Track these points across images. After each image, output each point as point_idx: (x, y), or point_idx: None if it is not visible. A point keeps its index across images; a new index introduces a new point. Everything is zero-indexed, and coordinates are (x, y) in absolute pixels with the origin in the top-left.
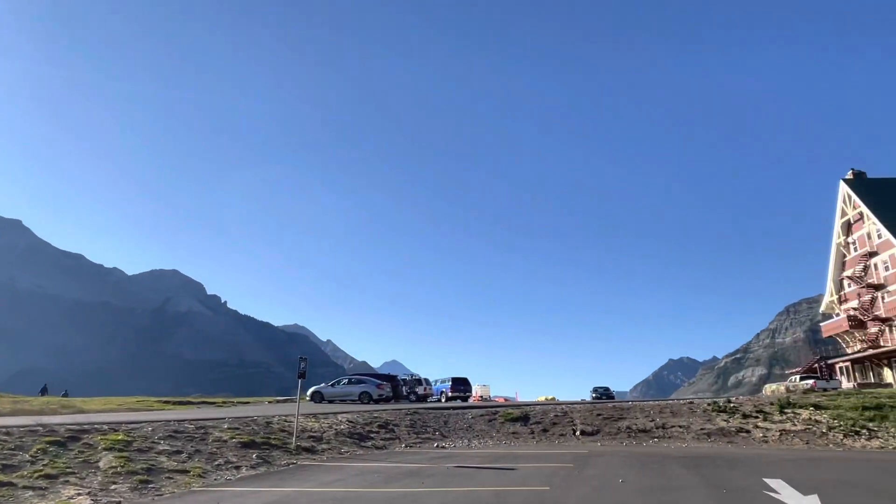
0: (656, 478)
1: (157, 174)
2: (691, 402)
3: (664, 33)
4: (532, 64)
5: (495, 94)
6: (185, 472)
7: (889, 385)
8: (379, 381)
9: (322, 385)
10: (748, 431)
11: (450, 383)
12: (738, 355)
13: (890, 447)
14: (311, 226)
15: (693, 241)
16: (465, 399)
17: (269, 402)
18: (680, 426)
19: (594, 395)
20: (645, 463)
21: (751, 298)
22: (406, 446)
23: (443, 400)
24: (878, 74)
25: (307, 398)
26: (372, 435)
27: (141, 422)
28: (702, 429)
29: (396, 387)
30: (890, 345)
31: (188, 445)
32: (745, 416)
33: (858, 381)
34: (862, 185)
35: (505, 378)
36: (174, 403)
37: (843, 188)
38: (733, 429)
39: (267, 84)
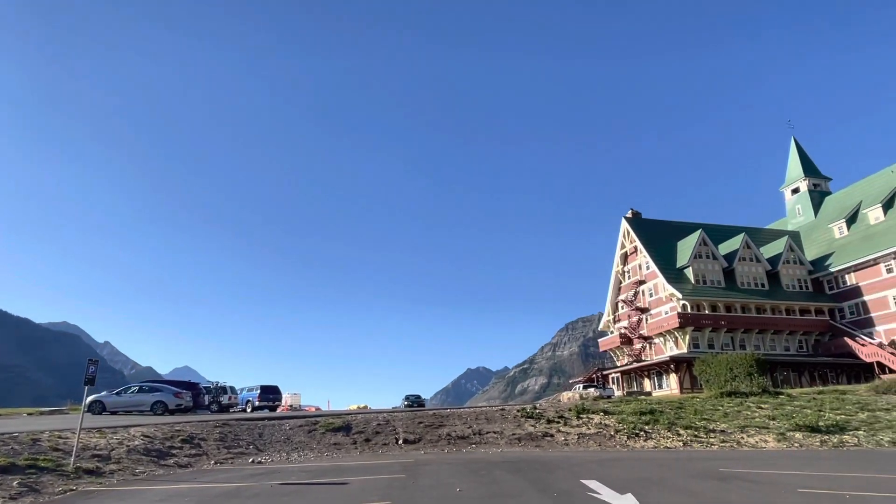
0: (489, 484)
1: None
2: (503, 409)
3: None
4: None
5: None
6: None
7: (649, 393)
8: (177, 390)
9: (104, 393)
10: (552, 436)
11: (258, 392)
12: (525, 366)
13: (661, 446)
14: (88, 219)
15: (496, 263)
16: (274, 409)
17: (31, 413)
18: (495, 432)
19: (406, 402)
20: (473, 470)
21: (541, 315)
22: (216, 463)
23: (248, 410)
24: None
25: (84, 409)
26: (174, 451)
27: None
28: (513, 434)
29: (198, 396)
30: (650, 359)
31: None
32: (549, 421)
33: (626, 389)
34: (638, 223)
35: (315, 387)
36: None
37: (624, 224)
38: (540, 433)
39: None
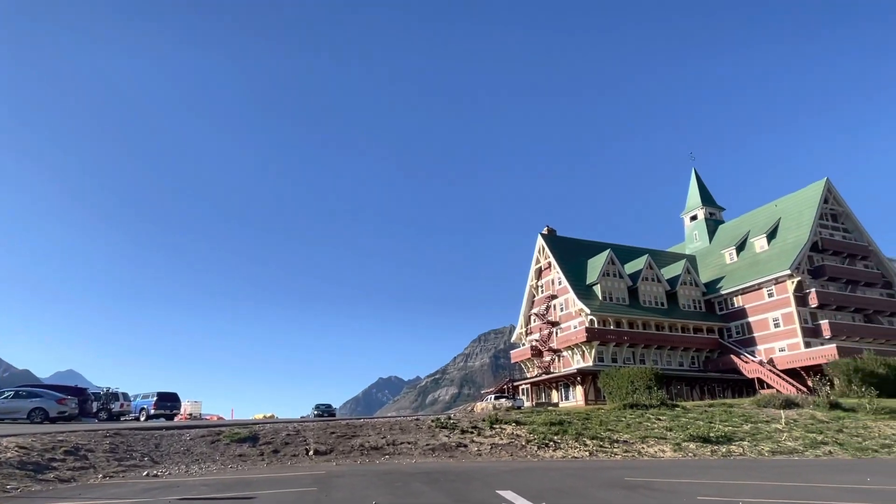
0: (406, 497)
1: None
2: (417, 419)
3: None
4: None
5: None
6: None
7: (556, 404)
8: (61, 395)
9: None
10: (465, 446)
11: (154, 399)
12: (437, 376)
13: (569, 456)
14: None
15: (412, 272)
16: (172, 417)
17: None
18: (408, 442)
19: (316, 412)
20: (388, 482)
21: (454, 326)
22: (105, 477)
23: (142, 418)
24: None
25: None
26: (55, 464)
27: None
28: (427, 444)
29: (85, 402)
30: (558, 371)
31: None
32: (463, 431)
33: (535, 400)
34: (553, 240)
35: (218, 395)
36: None
37: (540, 241)
38: (454, 444)
39: None
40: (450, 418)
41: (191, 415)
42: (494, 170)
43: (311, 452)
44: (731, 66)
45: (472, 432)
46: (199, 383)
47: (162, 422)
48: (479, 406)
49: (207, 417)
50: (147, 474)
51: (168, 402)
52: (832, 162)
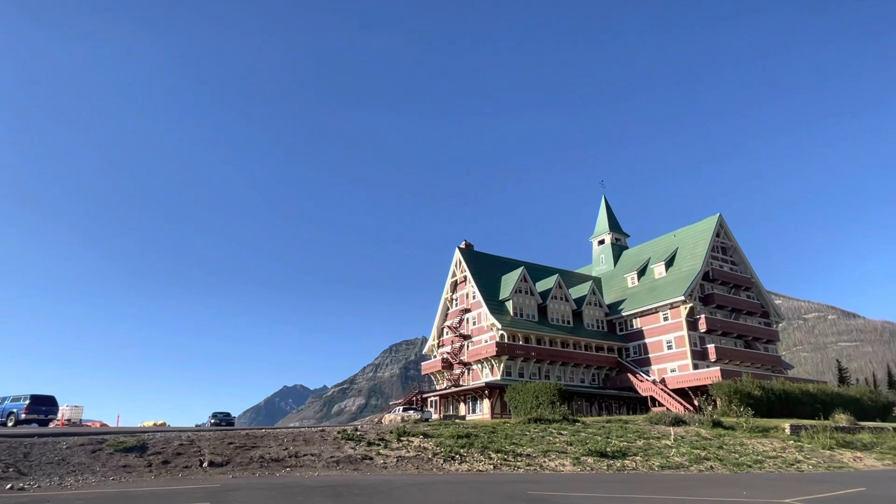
0: None
1: None
2: (323, 430)
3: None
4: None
5: None
6: None
7: (463, 417)
8: None
9: None
10: (371, 458)
11: (26, 402)
12: (344, 385)
13: (474, 469)
14: None
15: (324, 279)
16: (46, 423)
17: None
18: (312, 454)
19: (213, 420)
20: (288, 496)
21: (365, 335)
22: None
23: (10, 424)
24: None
25: None
26: None
27: None
28: (332, 457)
29: None
30: (467, 384)
31: None
32: (369, 443)
33: (443, 413)
34: (470, 254)
35: (102, 400)
36: None
37: (457, 254)
38: (359, 456)
39: None
40: (356, 430)
41: (69, 421)
42: (415, 183)
43: (205, 464)
44: (641, 107)
45: (378, 444)
46: (81, 387)
47: (34, 428)
48: (388, 418)
49: (89, 424)
50: (11, 487)
51: (42, 406)
52: (725, 198)
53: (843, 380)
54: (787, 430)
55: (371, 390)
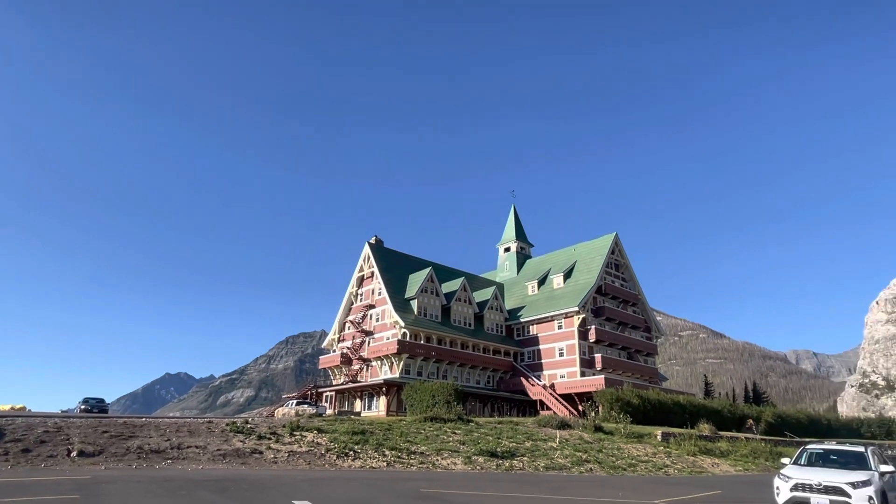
0: None
1: None
2: (210, 422)
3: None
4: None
5: None
6: None
7: (358, 413)
8: None
9: None
10: (261, 452)
11: None
12: (234, 376)
13: (368, 466)
14: None
15: (217, 265)
16: None
17: None
18: (197, 446)
19: (84, 406)
20: (170, 490)
21: (260, 324)
22: None
23: None
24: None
25: None
26: None
27: None
28: (218, 450)
29: None
30: (365, 381)
31: None
32: (260, 437)
33: (338, 408)
34: (379, 250)
35: None
36: None
37: (366, 249)
38: (248, 450)
39: None
40: (247, 422)
41: None
42: (326, 174)
43: (74, 454)
44: (558, 125)
45: (270, 438)
46: None
47: None
48: (280, 411)
49: None
50: None
51: None
52: (621, 217)
53: (708, 393)
54: (659, 437)
55: (262, 382)
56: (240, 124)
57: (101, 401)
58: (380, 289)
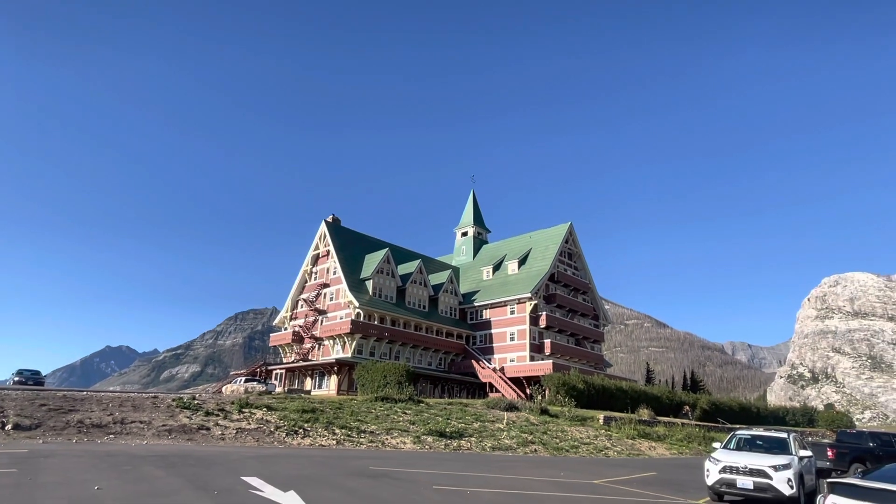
0: (137, 482)
1: None
2: (156, 397)
3: None
4: None
5: None
6: None
7: (308, 392)
8: None
9: None
10: (208, 429)
11: None
12: (179, 351)
13: (317, 444)
14: None
15: (167, 239)
16: None
17: None
18: (141, 421)
19: (18, 378)
20: (114, 465)
21: (209, 299)
22: None
23: None
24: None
25: None
26: None
27: None
28: (164, 425)
29: None
30: (316, 360)
31: None
32: (207, 413)
33: (289, 386)
34: (336, 229)
35: None
36: None
37: (323, 227)
38: (195, 426)
39: None
40: (194, 398)
41: None
42: (286, 151)
43: (9, 427)
44: (521, 115)
45: (218, 415)
46: None
47: None
48: (229, 388)
49: None
50: None
51: None
52: (576, 206)
53: (649, 380)
54: (601, 421)
55: (209, 358)
56: (187, 101)
57: (37, 373)
58: (335, 268)
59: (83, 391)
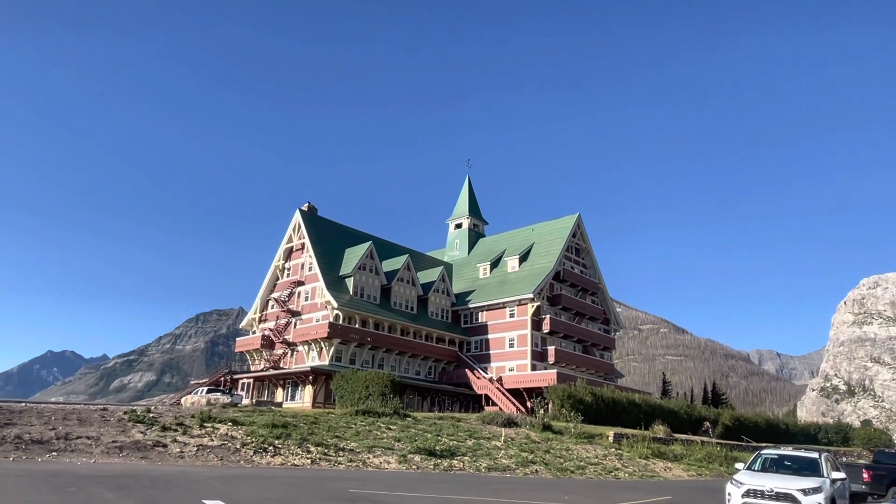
0: None
1: None
2: (105, 409)
3: None
4: None
5: None
6: None
7: (280, 404)
8: None
9: None
10: (165, 446)
11: None
12: (132, 357)
13: (290, 463)
14: None
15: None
16: None
17: None
18: (89, 437)
19: None
20: (57, 486)
21: (165, 297)
22: None
23: None
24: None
25: None
26: None
27: None
28: (114, 441)
29: None
30: (289, 367)
31: None
32: (164, 428)
33: (257, 398)
34: (312, 219)
35: None
36: None
37: (297, 217)
38: (150, 442)
39: None
40: (149, 411)
41: None
42: (243, 129)
43: None
44: (524, 98)
45: (176, 430)
46: None
47: None
48: (189, 399)
49: None
50: None
51: None
52: (585, 198)
53: (665, 392)
54: (611, 438)
55: (166, 365)
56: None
57: None
58: (311, 263)
59: (21, 402)
